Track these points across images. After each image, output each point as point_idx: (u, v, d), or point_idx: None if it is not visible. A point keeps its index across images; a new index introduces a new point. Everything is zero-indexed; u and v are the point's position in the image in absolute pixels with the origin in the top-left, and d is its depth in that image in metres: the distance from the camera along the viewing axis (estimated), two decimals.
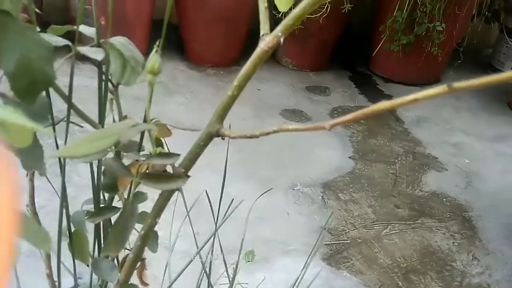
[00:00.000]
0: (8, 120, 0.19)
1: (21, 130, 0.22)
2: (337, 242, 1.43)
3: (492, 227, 1.60)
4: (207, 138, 0.37)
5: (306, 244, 1.39)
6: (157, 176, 0.36)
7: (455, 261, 1.43)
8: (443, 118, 2.26)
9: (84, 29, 0.40)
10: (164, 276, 0.81)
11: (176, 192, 0.39)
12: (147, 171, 0.37)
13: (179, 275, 0.70)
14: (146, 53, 0.38)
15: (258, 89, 2.23)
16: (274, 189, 1.57)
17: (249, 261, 1.30)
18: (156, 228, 0.44)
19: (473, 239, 1.53)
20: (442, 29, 2.14)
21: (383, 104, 0.27)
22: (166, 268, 0.80)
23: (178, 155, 0.36)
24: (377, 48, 2.34)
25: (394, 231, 1.51)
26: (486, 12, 2.32)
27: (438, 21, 2.13)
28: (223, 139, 0.37)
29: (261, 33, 0.35)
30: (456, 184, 1.79)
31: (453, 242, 1.51)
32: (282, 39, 0.34)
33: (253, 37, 2.34)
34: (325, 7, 2.09)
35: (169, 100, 2.02)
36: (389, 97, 2.38)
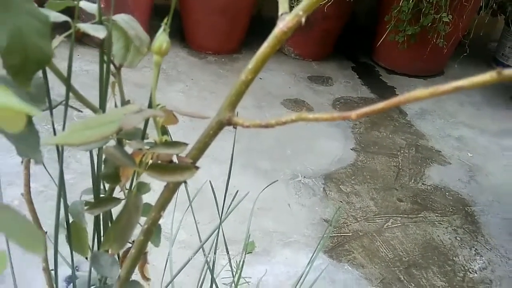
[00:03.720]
0: None
1: (14, 113, 0.19)
2: (339, 234, 1.41)
3: (495, 222, 1.58)
4: (218, 127, 0.34)
5: (307, 236, 1.37)
6: (163, 167, 0.33)
7: (457, 256, 1.41)
8: (447, 111, 2.23)
9: (85, 5, 0.36)
10: (165, 267, 0.79)
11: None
12: (152, 161, 0.34)
13: (180, 270, 0.67)
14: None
15: (260, 78, 2.19)
16: (275, 180, 1.54)
17: (249, 253, 1.28)
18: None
19: (476, 234, 1.51)
20: (448, 21, 2.10)
21: (423, 92, 0.24)
22: (167, 258, 0.77)
23: (186, 144, 0.33)
24: (382, 39, 2.30)
25: (396, 225, 1.49)
26: (494, 4, 2.28)
27: (445, 12, 2.09)
28: (235, 127, 0.35)
29: (280, 11, 0.32)
30: (459, 178, 1.77)
31: (456, 237, 1.49)
32: (303, 19, 0.30)
33: (255, 25, 2.30)
34: None
35: (169, 87, 1.98)
36: (392, 88, 2.35)
